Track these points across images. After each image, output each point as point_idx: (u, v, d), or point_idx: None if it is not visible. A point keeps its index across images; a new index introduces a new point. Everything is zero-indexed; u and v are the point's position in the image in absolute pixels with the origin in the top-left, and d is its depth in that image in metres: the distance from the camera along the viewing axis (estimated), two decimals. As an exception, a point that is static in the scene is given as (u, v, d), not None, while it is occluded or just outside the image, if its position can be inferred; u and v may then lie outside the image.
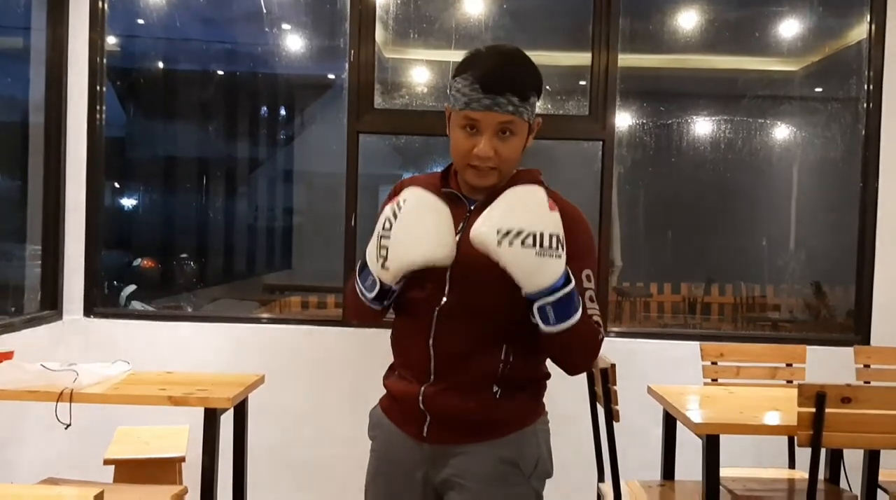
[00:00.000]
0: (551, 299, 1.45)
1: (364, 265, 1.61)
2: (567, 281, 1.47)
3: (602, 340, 1.59)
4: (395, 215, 1.51)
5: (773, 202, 5.78)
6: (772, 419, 2.51)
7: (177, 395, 2.48)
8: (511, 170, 1.63)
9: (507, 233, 1.42)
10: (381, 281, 1.56)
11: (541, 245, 1.42)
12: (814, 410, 2.22)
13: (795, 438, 2.28)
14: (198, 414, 2.51)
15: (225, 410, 2.52)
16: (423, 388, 1.62)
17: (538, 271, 1.43)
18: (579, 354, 1.57)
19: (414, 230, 1.50)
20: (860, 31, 3.83)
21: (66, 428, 2.50)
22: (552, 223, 1.45)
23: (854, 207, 3.74)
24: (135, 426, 3.32)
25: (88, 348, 3.57)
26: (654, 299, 6.14)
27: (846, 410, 2.23)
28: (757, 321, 5.78)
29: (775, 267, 5.81)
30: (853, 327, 3.72)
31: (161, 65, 5.71)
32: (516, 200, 1.47)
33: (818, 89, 5.25)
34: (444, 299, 1.60)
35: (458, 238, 1.55)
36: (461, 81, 1.57)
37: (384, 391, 1.76)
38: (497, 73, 1.54)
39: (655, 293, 6.15)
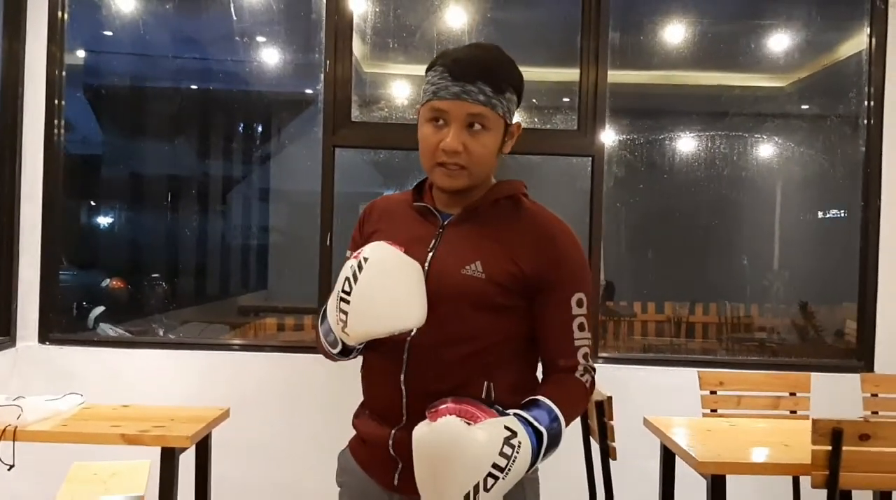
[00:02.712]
0: (544, 456, 1.32)
1: (326, 317, 1.45)
2: (538, 439, 1.29)
3: (592, 386, 1.44)
4: (355, 277, 1.32)
5: (760, 220, 5.66)
6: (781, 456, 2.32)
7: (131, 433, 2.27)
8: (483, 173, 1.44)
9: (476, 490, 1.22)
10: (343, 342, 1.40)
11: (501, 471, 1.22)
12: (830, 448, 2.04)
13: (810, 477, 2.09)
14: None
15: (184, 449, 2.30)
16: (393, 431, 1.43)
17: (520, 474, 1.26)
18: (573, 419, 1.43)
19: (375, 302, 1.31)
20: (851, 47, 3.72)
21: (9, 470, 2.28)
22: (488, 449, 1.22)
23: (841, 225, 3.62)
24: (93, 460, 3.08)
25: (44, 378, 3.35)
26: (638, 319, 5.98)
27: (865, 448, 2.05)
28: (744, 341, 5.64)
29: (761, 286, 5.68)
30: (856, 353, 3.56)
31: (136, 82, 5.53)
32: (445, 460, 1.23)
33: (805, 106, 5.15)
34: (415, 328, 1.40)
35: (430, 255, 1.41)
36: (431, 75, 1.41)
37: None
38: (468, 59, 1.38)
39: (639, 313, 5.99)
